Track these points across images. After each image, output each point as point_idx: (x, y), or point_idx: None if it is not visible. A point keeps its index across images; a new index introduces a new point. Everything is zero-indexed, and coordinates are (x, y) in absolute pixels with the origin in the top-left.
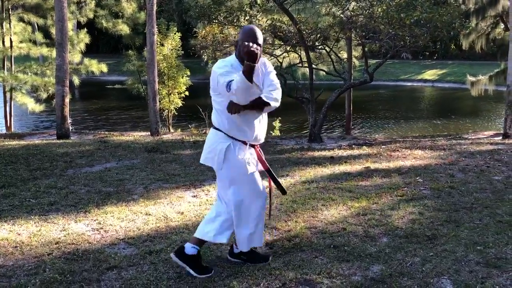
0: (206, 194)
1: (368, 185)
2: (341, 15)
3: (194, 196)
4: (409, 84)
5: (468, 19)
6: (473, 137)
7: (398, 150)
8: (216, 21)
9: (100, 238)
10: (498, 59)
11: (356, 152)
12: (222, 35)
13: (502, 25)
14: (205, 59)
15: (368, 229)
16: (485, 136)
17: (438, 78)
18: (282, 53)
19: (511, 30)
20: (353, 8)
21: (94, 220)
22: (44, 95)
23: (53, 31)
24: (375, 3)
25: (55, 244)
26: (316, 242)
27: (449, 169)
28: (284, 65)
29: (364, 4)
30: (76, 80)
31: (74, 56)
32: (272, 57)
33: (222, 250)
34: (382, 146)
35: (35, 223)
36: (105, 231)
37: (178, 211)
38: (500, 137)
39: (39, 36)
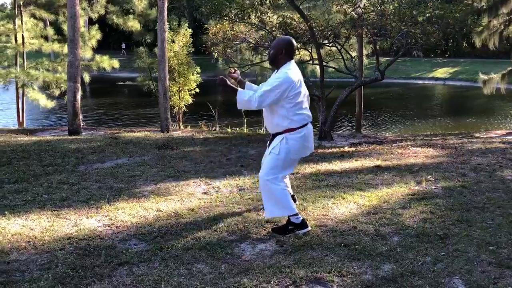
0: (217, 191)
1: (379, 183)
2: (352, 12)
3: (205, 193)
4: (420, 82)
5: (480, 16)
6: (484, 136)
7: (409, 149)
8: (227, 18)
9: (111, 234)
10: (511, 57)
11: (366, 150)
12: (232, 32)
13: None
14: (216, 56)
15: (379, 228)
16: (497, 135)
17: (449, 76)
18: None
19: None
20: (364, 5)
21: (106, 216)
22: (56, 92)
23: (64, 27)
24: (386, 0)
25: (67, 239)
26: (327, 241)
27: (460, 168)
28: None
29: (376, 1)
30: (87, 77)
31: (86, 53)
32: None
33: (232, 248)
34: (393, 144)
35: (47, 218)
36: (116, 227)
37: (189, 207)
38: None
39: (50, 32)
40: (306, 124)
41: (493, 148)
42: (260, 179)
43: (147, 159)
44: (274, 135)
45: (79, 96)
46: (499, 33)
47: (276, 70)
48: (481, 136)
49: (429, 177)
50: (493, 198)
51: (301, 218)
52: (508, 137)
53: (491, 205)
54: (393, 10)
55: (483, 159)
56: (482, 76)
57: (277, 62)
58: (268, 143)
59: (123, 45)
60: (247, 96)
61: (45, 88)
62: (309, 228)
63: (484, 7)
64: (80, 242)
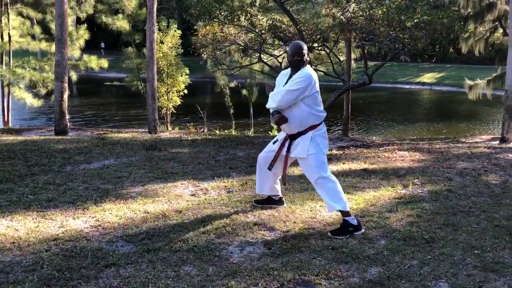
0: (205, 193)
1: (366, 187)
2: (341, 17)
3: (193, 195)
4: (407, 86)
5: (467, 23)
6: (470, 141)
7: (395, 152)
8: (217, 19)
9: (98, 235)
10: (496, 63)
11: (354, 153)
12: (222, 34)
13: (501, 30)
14: (205, 58)
15: (366, 231)
16: (482, 140)
17: (436, 81)
18: (282, 53)
19: (510, 35)
20: (353, 9)
21: (93, 217)
22: (43, 91)
23: (52, 26)
24: (375, 5)
25: (53, 240)
26: (315, 243)
27: (446, 172)
28: (283, 65)
29: (365, 6)
30: (74, 76)
31: (74, 52)
32: (272, 57)
33: (220, 250)
34: (380, 148)
35: (33, 219)
36: (103, 228)
37: (176, 209)
38: (498, 141)
39: (37, 31)
40: (324, 121)
41: (478, 153)
42: (315, 184)
43: (135, 160)
44: (292, 137)
45: (66, 96)
46: (484, 40)
47: (290, 73)
48: (467, 141)
49: (415, 181)
50: (478, 202)
51: (356, 219)
52: (493, 142)
53: (476, 209)
54: (381, 15)
55: (469, 163)
56: (468, 82)
57: (297, 66)
58: (278, 144)
59: (102, 45)
60: (278, 95)
61: (31, 87)
62: (363, 230)
63: (471, 13)
64: (66, 244)
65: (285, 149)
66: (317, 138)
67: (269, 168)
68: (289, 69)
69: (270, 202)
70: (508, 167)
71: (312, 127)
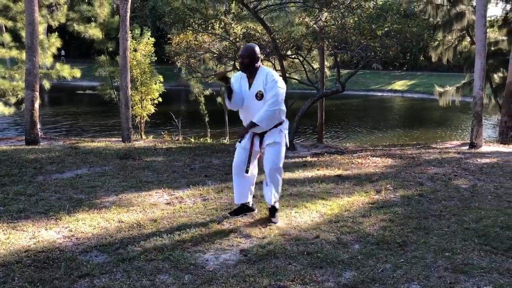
0: (180, 202)
1: (340, 192)
2: (314, 25)
3: (168, 203)
4: (379, 94)
5: (436, 32)
6: (441, 146)
7: (369, 158)
8: (191, 28)
9: (71, 245)
10: (464, 71)
11: (328, 160)
12: (196, 42)
13: (468, 39)
14: (179, 66)
15: (340, 236)
16: (452, 145)
17: (407, 89)
18: None
19: (476, 44)
20: (325, 18)
21: (66, 228)
22: (13, 100)
23: (23, 34)
24: (347, 14)
25: (25, 252)
26: (290, 249)
27: (418, 177)
28: None
29: (337, 15)
30: (47, 84)
31: (45, 60)
32: None
33: (196, 258)
34: (354, 155)
35: (3, 230)
36: (76, 238)
37: (151, 218)
38: (467, 147)
39: (7, 38)
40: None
41: (448, 158)
42: (272, 170)
43: (108, 170)
44: (261, 134)
45: (37, 105)
46: (453, 48)
47: (247, 74)
48: (438, 147)
49: (388, 186)
50: (449, 206)
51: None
52: (463, 148)
53: (447, 213)
54: (353, 24)
55: (439, 168)
56: (438, 89)
57: (253, 68)
58: (246, 142)
59: (62, 52)
60: (267, 114)
61: (0, 96)
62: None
63: (440, 23)
64: (38, 255)
65: (257, 144)
66: (284, 130)
67: (246, 171)
68: (240, 73)
69: (247, 210)
70: (477, 171)
71: (281, 123)
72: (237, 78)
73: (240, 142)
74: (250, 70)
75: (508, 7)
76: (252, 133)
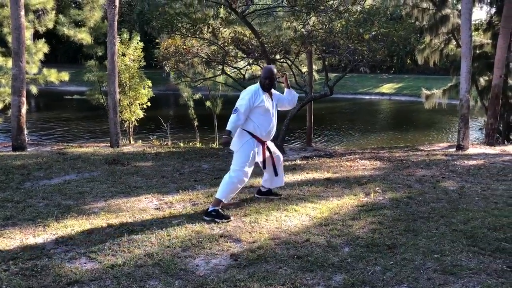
0: (170, 207)
1: (330, 195)
2: (302, 30)
3: (157, 208)
4: (367, 97)
5: (423, 35)
6: (428, 149)
7: (357, 161)
8: (179, 32)
9: (60, 252)
10: (451, 74)
11: (317, 163)
12: (184, 47)
13: (454, 42)
14: (167, 70)
15: (330, 239)
16: (440, 147)
17: (395, 92)
18: (245, 66)
19: (462, 47)
20: (313, 23)
21: (54, 234)
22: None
23: (9, 39)
24: (334, 17)
25: (12, 260)
26: (280, 253)
27: (406, 180)
28: (246, 76)
29: (324, 19)
30: (34, 90)
31: (32, 66)
32: (235, 69)
33: (186, 263)
34: (342, 157)
35: None
36: (65, 245)
37: (140, 224)
38: (454, 149)
39: None
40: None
41: (436, 160)
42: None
43: (97, 175)
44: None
45: (24, 111)
46: (439, 51)
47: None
48: (425, 149)
49: (377, 188)
50: (437, 208)
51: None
52: (450, 150)
53: (435, 215)
54: (340, 28)
55: (427, 171)
56: (425, 92)
57: (271, 86)
58: (259, 152)
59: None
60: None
61: None
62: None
63: (426, 26)
64: (26, 262)
65: (266, 151)
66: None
67: (264, 167)
68: (257, 88)
69: (270, 193)
70: (465, 173)
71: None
72: (254, 94)
73: (252, 160)
74: (267, 89)
75: (493, 10)
76: (257, 143)
